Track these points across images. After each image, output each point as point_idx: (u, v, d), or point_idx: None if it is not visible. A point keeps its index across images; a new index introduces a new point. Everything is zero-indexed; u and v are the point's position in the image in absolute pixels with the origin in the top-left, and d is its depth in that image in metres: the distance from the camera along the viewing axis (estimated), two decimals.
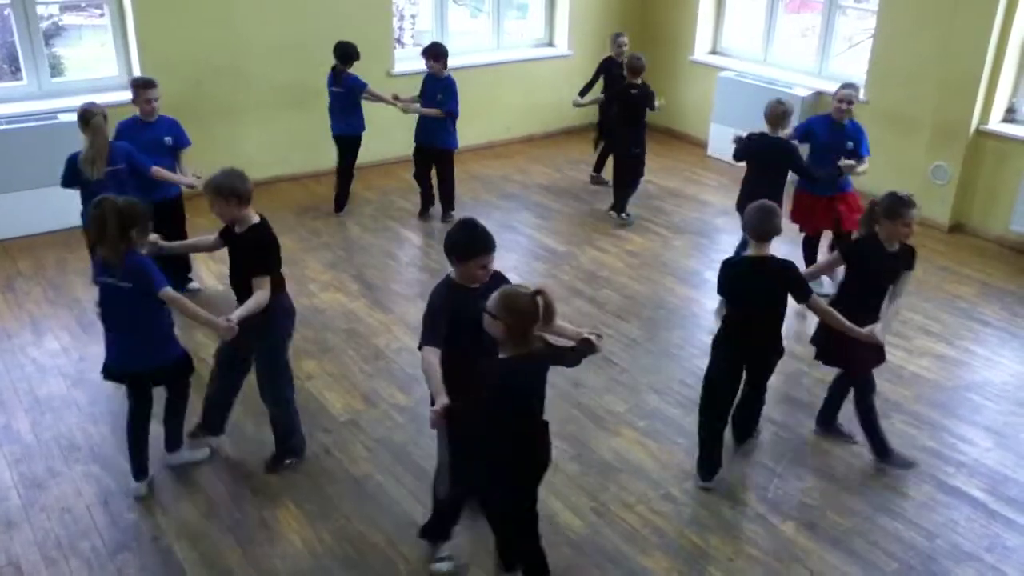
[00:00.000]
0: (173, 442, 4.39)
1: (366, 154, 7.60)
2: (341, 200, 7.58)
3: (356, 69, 7.18)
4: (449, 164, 7.40)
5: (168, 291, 3.88)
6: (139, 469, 4.23)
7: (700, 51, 9.48)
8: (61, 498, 4.19)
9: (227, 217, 4.05)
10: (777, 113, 5.85)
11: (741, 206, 6.08)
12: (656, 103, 7.47)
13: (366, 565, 3.83)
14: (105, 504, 4.16)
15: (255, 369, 4.35)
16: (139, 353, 4.02)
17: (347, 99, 7.19)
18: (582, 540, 4.00)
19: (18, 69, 7.32)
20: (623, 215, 7.53)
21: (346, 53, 7.11)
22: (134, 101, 5.64)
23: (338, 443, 4.63)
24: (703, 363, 5.42)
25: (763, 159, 5.94)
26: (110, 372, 4.11)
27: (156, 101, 5.62)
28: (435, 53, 7.12)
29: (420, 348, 3.47)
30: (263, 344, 4.21)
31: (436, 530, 3.84)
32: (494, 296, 3.19)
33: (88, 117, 5.12)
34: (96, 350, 5.43)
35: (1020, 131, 7.11)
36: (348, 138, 7.34)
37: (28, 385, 5.08)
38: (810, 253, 6.25)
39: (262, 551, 3.90)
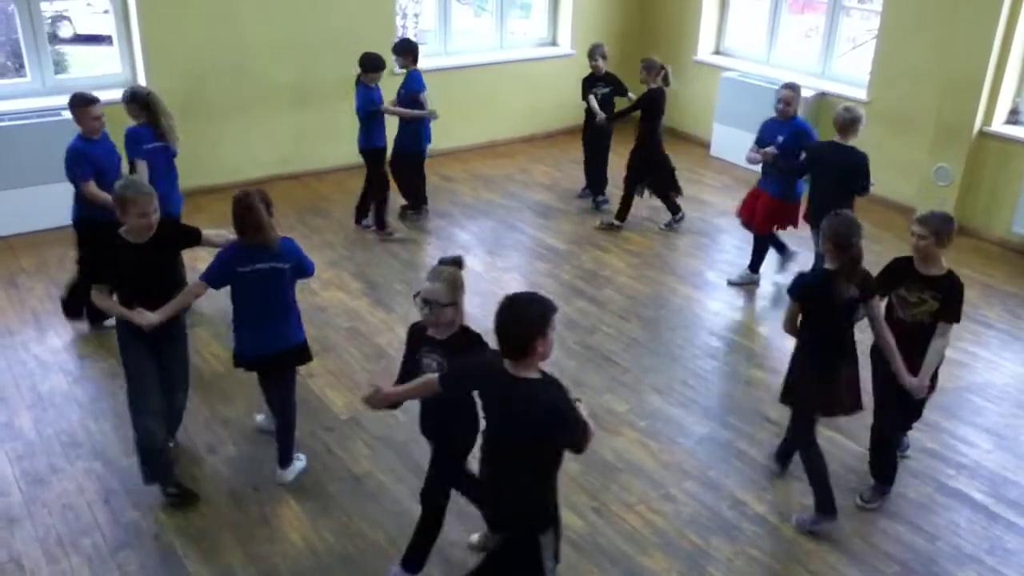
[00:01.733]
0: (285, 458, 4.34)
1: None
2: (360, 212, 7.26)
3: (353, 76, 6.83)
4: (398, 168, 7.09)
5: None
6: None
7: (703, 51, 9.47)
8: (63, 495, 4.20)
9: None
10: (843, 120, 5.48)
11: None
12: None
13: (366, 563, 3.84)
14: (106, 501, 4.16)
15: (176, 359, 4.26)
16: (281, 335, 4.06)
17: (359, 111, 6.74)
18: (582, 540, 4.00)
19: (22, 66, 7.33)
20: (597, 199, 7.84)
21: (361, 62, 6.65)
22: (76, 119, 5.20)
23: (339, 441, 4.63)
24: (705, 363, 5.47)
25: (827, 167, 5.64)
26: (248, 360, 4.12)
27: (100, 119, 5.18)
28: (394, 48, 6.94)
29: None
30: (182, 330, 4.32)
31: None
32: (437, 288, 3.24)
33: (144, 94, 5.24)
34: (97, 347, 5.46)
35: (1023, 133, 7.10)
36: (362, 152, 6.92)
37: (30, 381, 5.08)
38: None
39: (263, 549, 3.91)
